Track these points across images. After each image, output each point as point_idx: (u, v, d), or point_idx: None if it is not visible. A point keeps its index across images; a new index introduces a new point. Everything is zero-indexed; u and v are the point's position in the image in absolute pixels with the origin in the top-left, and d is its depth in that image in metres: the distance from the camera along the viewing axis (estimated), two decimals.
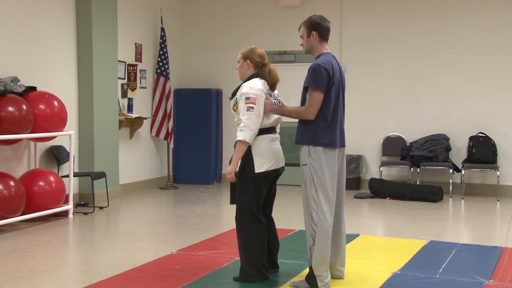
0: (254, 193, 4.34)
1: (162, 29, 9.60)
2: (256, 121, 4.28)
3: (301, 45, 4.37)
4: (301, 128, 4.25)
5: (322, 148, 4.15)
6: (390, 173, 9.59)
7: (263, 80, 4.46)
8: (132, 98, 9.17)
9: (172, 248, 5.48)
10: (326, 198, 4.13)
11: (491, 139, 9.03)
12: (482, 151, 8.98)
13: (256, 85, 4.38)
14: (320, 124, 4.15)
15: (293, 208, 7.71)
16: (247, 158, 4.32)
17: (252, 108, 4.29)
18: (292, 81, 8.23)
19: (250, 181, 4.33)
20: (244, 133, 4.28)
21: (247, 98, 4.32)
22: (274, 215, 4.68)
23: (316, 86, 4.09)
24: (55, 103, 6.91)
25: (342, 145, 4.31)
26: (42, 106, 6.73)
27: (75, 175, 7.48)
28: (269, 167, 4.36)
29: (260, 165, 4.32)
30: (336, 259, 4.40)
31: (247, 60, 4.50)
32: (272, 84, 4.49)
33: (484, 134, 9.09)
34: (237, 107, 4.39)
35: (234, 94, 4.47)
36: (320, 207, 4.11)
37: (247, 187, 4.35)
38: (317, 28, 4.27)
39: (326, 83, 4.10)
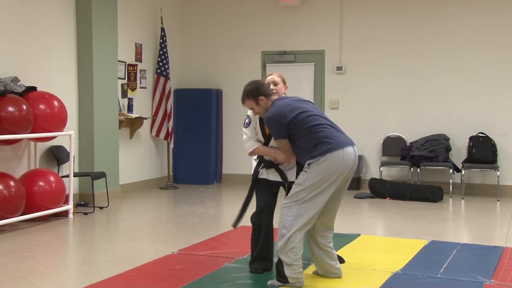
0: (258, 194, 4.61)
1: (162, 29, 9.60)
2: (245, 136, 4.61)
3: (256, 114, 4.48)
4: (297, 153, 4.35)
5: (321, 156, 4.15)
6: (390, 173, 9.59)
7: None
8: (132, 98, 9.16)
9: (173, 248, 5.47)
10: (310, 211, 4.13)
11: (491, 139, 9.03)
12: (482, 151, 8.98)
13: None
14: (309, 146, 4.20)
15: None
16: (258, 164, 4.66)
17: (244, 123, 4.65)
18: (292, 81, 8.21)
19: (255, 181, 4.61)
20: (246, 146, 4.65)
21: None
22: (274, 214, 4.68)
23: (277, 137, 4.30)
24: (55, 103, 6.91)
25: (350, 144, 4.25)
26: (42, 106, 6.73)
27: (75, 175, 7.48)
28: (267, 177, 4.59)
29: (262, 173, 4.61)
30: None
31: (286, 85, 4.77)
32: None
33: (484, 134, 9.09)
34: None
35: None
36: (297, 221, 4.11)
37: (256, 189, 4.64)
38: (260, 92, 4.39)
39: (284, 129, 4.22)
